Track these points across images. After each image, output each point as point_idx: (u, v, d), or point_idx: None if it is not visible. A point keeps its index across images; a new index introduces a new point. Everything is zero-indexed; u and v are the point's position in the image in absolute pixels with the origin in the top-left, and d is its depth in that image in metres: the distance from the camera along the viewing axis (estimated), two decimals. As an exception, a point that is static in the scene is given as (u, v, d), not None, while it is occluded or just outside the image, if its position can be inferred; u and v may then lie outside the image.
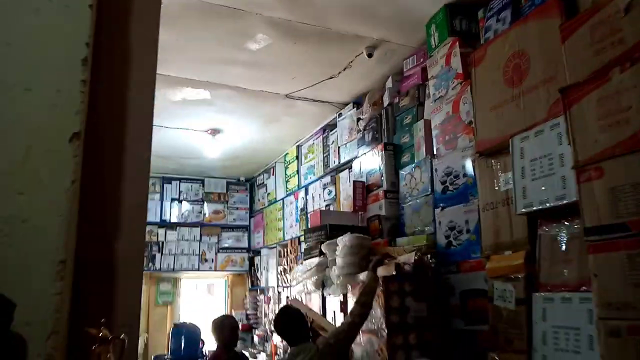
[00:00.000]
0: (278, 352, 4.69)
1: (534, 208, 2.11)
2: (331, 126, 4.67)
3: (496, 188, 2.42)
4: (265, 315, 5.94)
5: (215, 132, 5.05)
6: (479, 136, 2.55)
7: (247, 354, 4.35)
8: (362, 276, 2.88)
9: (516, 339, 2.15)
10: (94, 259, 1.39)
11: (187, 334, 4.96)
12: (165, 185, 6.57)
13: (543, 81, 2.21)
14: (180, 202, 6.61)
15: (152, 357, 5.70)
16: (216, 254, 6.64)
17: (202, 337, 5.17)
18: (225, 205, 6.81)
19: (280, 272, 5.43)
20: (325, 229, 3.50)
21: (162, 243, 6.40)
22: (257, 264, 6.51)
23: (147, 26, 1.80)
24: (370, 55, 3.53)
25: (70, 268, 1.29)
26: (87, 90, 1.41)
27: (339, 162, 4.40)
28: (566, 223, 2.03)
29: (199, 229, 6.61)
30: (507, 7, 2.62)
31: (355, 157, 4.04)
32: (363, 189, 3.76)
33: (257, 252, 6.52)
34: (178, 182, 6.65)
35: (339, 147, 4.42)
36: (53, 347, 1.14)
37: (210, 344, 4.91)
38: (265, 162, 6.24)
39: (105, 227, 1.48)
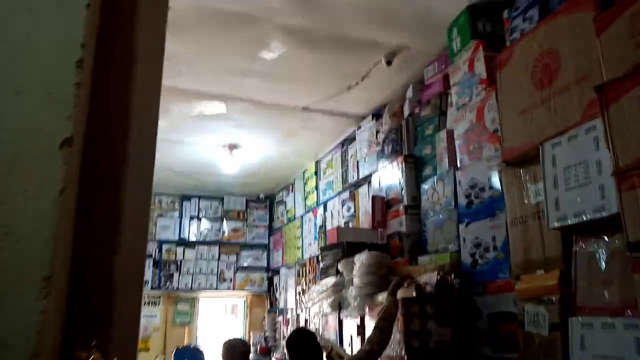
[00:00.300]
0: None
1: (569, 222, 1.88)
2: (350, 140, 4.51)
3: (525, 201, 2.20)
4: (284, 337, 5.72)
5: (232, 147, 4.95)
6: (505, 144, 2.34)
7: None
8: (381, 297, 2.68)
9: (551, 370, 1.90)
10: (91, 275, 1.31)
11: (190, 358, 4.77)
12: (184, 203, 6.50)
13: (576, 81, 1.99)
14: (199, 219, 6.51)
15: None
16: (235, 273, 6.49)
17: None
18: (245, 223, 6.69)
19: (299, 292, 5.23)
20: (343, 246, 3.31)
21: (181, 262, 6.29)
22: (275, 284, 6.32)
23: (153, 32, 1.71)
24: (389, 63, 3.37)
25: (59, 285, 1.18)
26: (82, 94, 1.31)
27: (358, 177, 4.22)
28: (606, 238, 1.80)
29: (217, 247, 6.49)
30: (535, 5, 2.43)
31: (375, 171, 3.85)
32: (382, 204, 3.56)
33: (276, 272, 6.35)
34: (197, 199, 6.57)
35: (357, 162, 4.24)
36: (34, 371, 1.02)
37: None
38: (284, 178, 6.10)
39: (104, 241, 1.38)
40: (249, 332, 6.53)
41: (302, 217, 5.58)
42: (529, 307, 2.11)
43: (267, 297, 6.61)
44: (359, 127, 4.29)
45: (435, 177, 3.13)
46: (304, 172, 5.59)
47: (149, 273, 6.11)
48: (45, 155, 1.19)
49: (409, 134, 3.54)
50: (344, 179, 4.52)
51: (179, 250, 6.31)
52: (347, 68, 3.52)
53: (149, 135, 1.59)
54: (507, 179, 2.34)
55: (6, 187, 1.13)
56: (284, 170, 5.75)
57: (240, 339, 3.17)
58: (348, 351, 2.88)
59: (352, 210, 4.31)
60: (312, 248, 5.18)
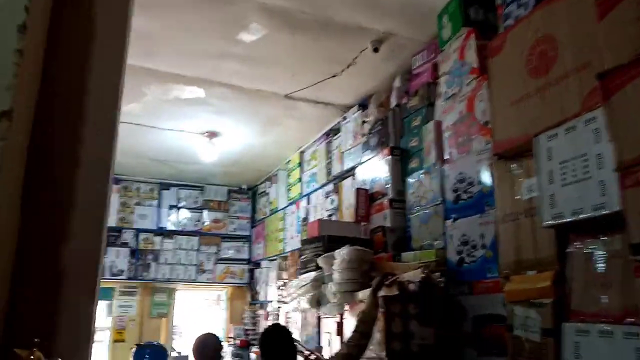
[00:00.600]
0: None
1: (565, 220, 1.75)
2: (335, 131, 4.35)
3: (517, 196, 2.07)
4: (264, 331, 5.58)
5: (212, 134, 4.76)
6: (496, 136, 2.20)
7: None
8: (362, 294, 2.54)
9: (541, 378, 1.78)
10: (38, 266, 1.17)
11: (151, 356, 4.56)
12: (163, 192, 6.29)
13: (575, 69, 1.86)
14: (178, 209, 6.31)
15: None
16: (215, 264, 6.31)
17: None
18: (226, 214, 6.50)
19: (280, 286, 5.08)
20: (323, 240, 3.16)
21: (158, 252, 6.09)
22: (257, 277, 6.17)
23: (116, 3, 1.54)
24: (376, 50, 3.21)
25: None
26: (26, 64, 1.15)
27: (343, 169, 4.07)
28: (605, 238, 1.67)
29: (197, 238, 6.30)
30: (531, -11, 2.29)
31: (360, 163, 3.70)
32: (366, 198, 3.42)
33: (258, 264, 6.19)
34: (177, 188, 6.36)
35: (342, 153, 4.09)
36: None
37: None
38: (267, 169, 5.93)
39: (53, 228, 1.22)
40: (229, 325, 6.37)
41: (284, 209, 5.42)
42: (518, 309, 1.98)
43: (248, 290, 6.45)
44: (344, 118, 4.13)
45: (422, 171, 2.99)
46: (287, 163, 5.42)
47: (124, 262, 5.90)
48: (-23, 130, 1.04)
49: (396, 125, 3.39)
50: (328, 171, 4.37)
51: (157, 239, 6.11)
52: (331, 54, 3.36)
53: (108, 115, 1.46)
54: (498, 173, 2.21)
55: None
56: (267, 160, 5.58)
57: (213, 334, 3.02)
58: (326, 351, 2.74)
59: (336, 203, 4.16)
60: (294, 241, 5.02)
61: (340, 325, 2.72)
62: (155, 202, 6.24)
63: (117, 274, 5.88)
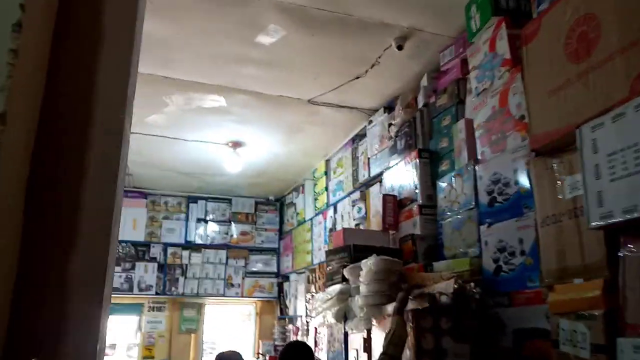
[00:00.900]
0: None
1: (615, 220, 1.53)
2: (361, 136, 4.18)
3: (559, 196, 1.85)
4: (294, 347, 5.39)
5: (236, 145, 4.66)
6: (534, 130, 1.99)
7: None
8: (391, 308, 2.34)
9: (594, 402, 1.55)
10: (40, 278, 1.08)
11: None
12: (190, 205, 6.24)
13: (620, 50, 1.64)
14: (206, 222, 6.25)
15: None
16: (243, 278, 6.20)
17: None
18: (254, 226, 6.39)
19: (309, 300, 4.90)
20: (349, 250, 2.98)
21: (186, 266, 6.02)
22: (286, 291, 6.01)
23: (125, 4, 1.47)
24: (400, 48, 3.04)
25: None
26: (24, 65, 1.08)
27: (369, 176, 3.89)
28: (665, 240, 1.44)
29: (225, 251, 6.20)
30: (568, -33, 2.07)
31: (387, 169, 3.52)
32: (394, 204, 3.23)
33: (287, 278, 6.04)
34: (205, 201, 6.30)
35: (368, 159, 3.91)
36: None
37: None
38: (294, 179, 5.80)
39: (58, 238, 1.15)
40: (258, 341, 6.22)
41: (312, 219, 5.27)
42: (564, 323, 1.76)
43: (277, 304, 6.30)
44: (370, 122, 3.96)
45: (453, 173, 2.78)
46: (313, 172, 5.28)
47: (152, 277, 5.85)
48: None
49: (424, 126, 3.20)
50: (355, 178, 4.19)
51: (185, 253, 6.05)
52: (354, 54, 3.20)
53: (117, 117, 1.34)
54: (536, 171, 1.99)
55: None
56: (293, 170, 5.45)
57: (235, 352, 2.87)
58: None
59: (363, 211, 3.98)
60: (322, 253, 4.85)
61: (367, 342, 2.52)
62: (183, 216, 6.19)
63: (145, 289, 5.83)
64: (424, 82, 3.28)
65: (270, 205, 6.53)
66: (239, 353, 2.90)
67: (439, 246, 2.84)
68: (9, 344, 0.96)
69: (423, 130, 3.19)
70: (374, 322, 2.46)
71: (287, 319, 5.84)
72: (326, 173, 4.90)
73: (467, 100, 2.81)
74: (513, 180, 2.27)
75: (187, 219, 6.18)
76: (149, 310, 5.94)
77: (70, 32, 1.35)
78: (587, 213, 1.65)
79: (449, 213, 2.78)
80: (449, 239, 2.76)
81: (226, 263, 6.17)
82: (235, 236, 6.30)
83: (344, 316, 2.82)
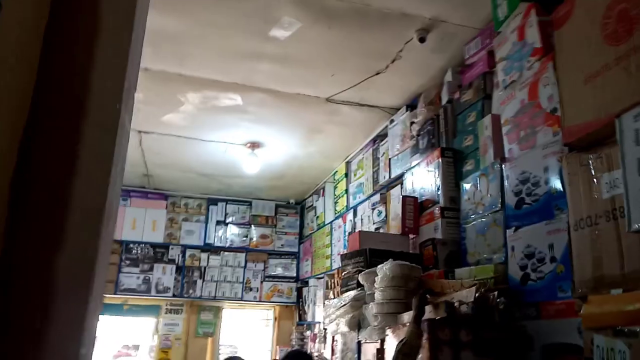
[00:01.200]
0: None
1: (662, 222, 1.33)
2: (382, 137, 4.00)
3: (595, 195, 1.64)
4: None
5: (254, 145, 4.54)
6: (567, 122, 1.79)
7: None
8: (407, 317, 2.16)
9: None
10: (23, 279, 0.99)
11: None
12: (210, 207, 6.15)
13: (670, 28, 1.44)
14: (225, 224, 6.15)
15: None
16: (261, 282, 6.07)
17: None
18: (274, 229, 6.27)
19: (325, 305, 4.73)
20: (365, 254, 2.81)
21: (204, 268, 5.93)
22: (304, 296, 5.85)
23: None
24: (422, 40, 2.86)
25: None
26: (3, 53, 0.98)
27: (390, 177, 3.70)
28: None
29: (244, 254, 6.09)
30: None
31: (409, 169, 3.33)
32: (415, 207, 3.04)
33: (306, 283, 5.88)
34: (224, 203, 6.21)
35: (389, 159, 3.72)
36: None
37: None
38: (314, 182, 5.65)
39: (43, 238, 1.03)
40: (276, 346, 6.08)
41: (331, 223, 5.10)
42: (599, 339, 1.55)
43: (296, 310, 6.14)
44: (392, 121, 3.77)
45: (478, 173, 2.58)
46: (334, 174, 5.12)
47: (170, 279, 5.78)
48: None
49: (448, 123, 3.00)
50: (375, 179, 4.01)
51: (203, 256, 5.96)
52: (373, 48, 3.04)
53: (111, 111, 1.23)
54: (570, 169, 1.79)
55: None
56: (313, 172, 5.30)
57: (239, 358, 2.73)
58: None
59: (384, 214, 3.79)
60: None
61: (380, 353, 2.34)
62: (202, 218, 6.11)
63: (163, 291, 5.76)
64: (448, 77, 3.09)
65: (290, 208, 6.39)
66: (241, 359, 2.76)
67: (462, 252, 2.65)
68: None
69: (447, 128, 3.00)
70: (388, 331, 2.28)
71: (305, 325, 5.68)
72: (346, 175, 4.73)
73: (493, 95, 2.62)
74: (543, 179, 2.07)
75: (206, 221, 6.10)
76: (166, 313, 5.87)
77: (63, 19, 1.25)
78: (628, 214, 1.44)
79: (472, 216, 2.59)
80: (473, 244, 2.56)
81: (245, 266, 6.06)
82: (254, 239, 6.18)
83: (357, 324, 2.65)
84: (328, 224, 5.19)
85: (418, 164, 3.19)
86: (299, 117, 3.98)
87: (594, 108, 1.66)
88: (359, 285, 2.76)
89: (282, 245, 6.23)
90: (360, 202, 4.31)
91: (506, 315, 2.01)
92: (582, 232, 1.69)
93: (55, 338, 1.07)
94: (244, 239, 6.15)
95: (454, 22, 2.79)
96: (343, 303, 2.76)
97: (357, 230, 4.22)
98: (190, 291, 5.83)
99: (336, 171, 5.05)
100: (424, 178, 3.08)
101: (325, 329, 4.66)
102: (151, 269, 5.77)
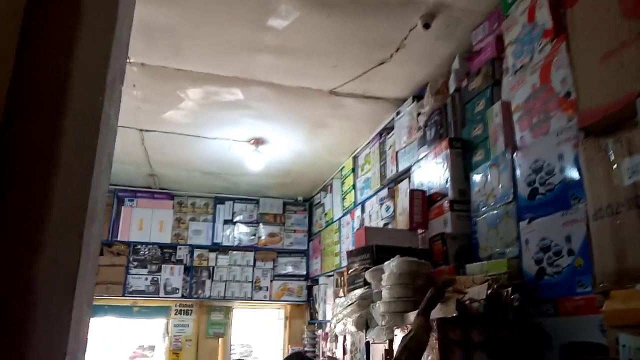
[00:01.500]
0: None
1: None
2: (389, 129, 3.88)
3: (616, 183, 1.52)
4: (323, 354, 5.13)
5: (258, 142, 4.45)
6: (583, 105, 1.67)
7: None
8: (414, 316, 2.05)
9: None
10: (1, 282, 0.95)
11: None
12: (217, 206, 6.08)
13: (696, -4, 1.31)
14: (233, 223, 6.07)
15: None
16: (271, 281, 5.98)
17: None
18: (282, 227, 6.17)
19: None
20: (371, 250, 2.70)
21: (213, 268, 5.86)
22: (315, 294, 5.75)
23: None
24: (427, 26, 2.74)
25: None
26: None
27: (397, 171, 3.58)
28: None
29: (252, 253, 6.01)
30: None
31: (416, 162, 3.21)
32: (423, 200, 2.92)
33: (316, 281, 5.78)
34: (232, 202, 6.13)
35: (396, 152, 3.60)
36: None
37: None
38: (321, 178, 5.54)
39: (22, 238, 1.00)
40: (288, 346, 5.99)
41: (339, 220, 4.99)
42: (624, 338, 1.43)
43: (307, 308, 6.05)
44: (398, 113, 3.65)
45: (488, 163, 2.46)
46: (341, 170, 5.00)
47: (179, 280, 5.71)
48: None
49: (456, 113, 2.88)
50: (382, 174, 3.90)
51: (212, 255, 5.89)
52: (376, 37, 2.92)
53: (93, 105, 1.15)
54: (587, 155, 1.67)
55: None
56: (320, 168, 5.19)
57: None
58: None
59: (392, 210, 3.67)
60: (349, 254, 4.57)
61: (388, 354, 2.23)
62: (209, 217, 6.04)
63: (171, 292, 5.69)
64: (455, 65, 2.97)
65: (298, 205, 6.30)
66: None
67: (473, 246, 2.52)
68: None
69: (455, 117, 2.87)
70: (396, 331, 2.17)
71: (316, 324, 5.58)
72: (353, 170, 4.62)
73: (503, 81, 2.49)
74: (558, 167, 1.94)
75: (214, 220, 6.02)
76: (175, 314, 5.81)
77: (42, 4, 1.19)
78: (654, 201, 1.32)
79: (483, 208, 2.46)
80: (484, 238, 2.44)
81: (254, 265, 5.97)
82: (263, 238, 6.09)
83: (365, 324, 2.54)
84: (336, 220, 5.08)
85: (426, 156, 3.07)
86: (302, 111, 3.88)
87: (612, 89, 1.53)
88: (365, 283, 2.66)
89: (291, 243, 6.14)
90: (368, 198, 4.20)
91: (521, 313, 1.89)
92: (602, 222, 1.56)
93: (36, 347, 0.99)
94: (252, 237, 6.06)
95: (459, 7, 2.66)
96: (350, 302, 2.66)
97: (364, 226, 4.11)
98: (200, 291, 5.76)
99: (343, 167, 4.94)
100: (432, 170, 2.96)
101: (335, 328, 4.56)
102: (159, 270, 5.71)
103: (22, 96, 1.16)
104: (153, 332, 6.10)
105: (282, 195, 6.21)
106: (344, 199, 4.87)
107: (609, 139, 1.57)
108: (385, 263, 2.38)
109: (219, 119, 4.05)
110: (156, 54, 3.12)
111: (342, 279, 4.67)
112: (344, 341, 3.95)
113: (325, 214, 5.52)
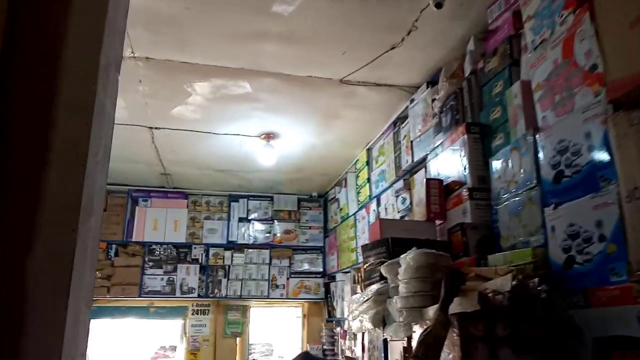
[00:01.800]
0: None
1: None
2: (403, 119, 3.74)
3: (652, 159, 1.37)
4: (342, 352, 5.02)
5: (269, 136, 4.35)
6: (611, 76, 1.53)
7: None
8: (433, 311, 1.92)
9: None
10: None
11: None
12: (232, 204, 6.01)
13: None
14: (248, 221, 5.99)
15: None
16: (287, 279, 5.89)
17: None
18: (297, 224, 6.07)
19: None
20: (387, 243, 2.57)
21: (229, 267, 5.79)
22: (332, 291, 5.64)
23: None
24: (439, 6, 2.60)
25: None
26: None
27: (412, 161, 3.45)
28: None
29: (268, 251, 5.92)
30: None
31: (432, 149, 3.07)
32: (440, 189, 2.78)
33: (333, 278, 5.67)
34: (246, 199, 6.05)
35: (411, 142, 3.47)
36: None
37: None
38: (336, 172, 5.43)
39: (14, 234, 0.99)
40: (306, 344, 5.89)
41: (355, 214, 4.87)
42: (667, 330, 1.29)
43: (324, 306, 5.94)
44: (412, 100, 3.51)
45: (509, 147, 2.31)
46: (355, 163, 4.88)
47: (195, 279, 5.65)
48: None
49: (472, 96, 2.73)
50: (397, 165, 3.76)
51: (227, 254, 5.82)
52: (385, 19, 2.79)
53: (86, 95, 1.11)
54: (618, 131, 1.52)
55: None
56: (334, 162, 5.07)
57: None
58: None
59: (408, 201, 3.54)
60: (366, 249, 4.44)
61: (407, 352, 2.10)
62: (224, 215, 5.97)
63: (188, 292, 5.64)
64: (470, 46, 2.82)
65: (313, 201, 6.19)
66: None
67: (495, 236, 2.38)
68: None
69: (471, 101, 2.73)
70: (415, 328, 2.04)
71: (334, 322, 5.47)
72: (368, 163, 4.49)
73: (522, 59, 2.34)
74: (585, 147, 1.79)
75: (228, 219, 5.95)
76: (192, 314, 5.76)
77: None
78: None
79: (505, 195, 2.32)
80: (506, 227, 2.29)
81: (270, 263, 5.89)
82: (278, 235, 6.00)
83: (382, 321, 2.42)
84: (352, 215, 4.96)
85: (442, 143, 2.93)
86: (312, 102, 3.76)
87: (645, 54, 1.39)
88: (382, 278, 2.53)
89: (306, 240, 6.04)
90: (383, 191, 4.07)
91: (549, 305, 1.75)
92: (637, 204, 1.42)
93: (28, 349, 0.93)
94: (268, 235, 5.98)
95: (473, -17, 2.52)
96: (366, 298, 2.54)
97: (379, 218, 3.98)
98: (216, 291, 5.69)
99: (357, 160, 4.82)
100: (449, 158, 2.82)
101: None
102: (175, 269, 5.66)
103: (9, 84, 1.08)
104: (172, 332, 6.06)
105: (296, 191, 6.11)
106: (358, 193, 4.75)
107: (642, 111, 1.42)
108: (402, 256, 2.25)
109: (228, 113, 3.96)
110: (161, 47, 3.04)
111: (359, 275, 4.55)
112: (363, 339, 3.84)
113: (341, 209, 5.40)
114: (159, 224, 5.76)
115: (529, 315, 1.69)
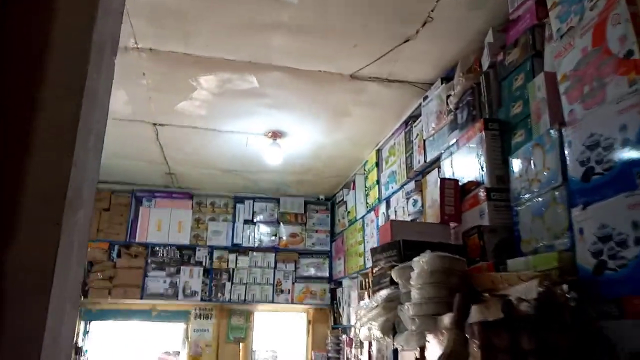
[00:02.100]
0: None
1: None
2: (415, 117, 3.59)
3: (703, 150, 1.21)
4: (347, 359, 4.85)
5: (275, 134, 4.21)
6: (655, 59, 1.36)
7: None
8: (448, 319, 1.76)
9: None
10: None
11: None
12: (237, 206, 5.87)
13: None
14: (253, 224, 5.85)
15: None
16: (293, 283, 5.73)
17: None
18: (303, 227, 5.92)
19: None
20: (398, 246, 2.41)
21: (233, 270, 5.64)
22: (339, 297, 5.47)
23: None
24: (457, -8, 2.45)
25: None
26: None
27: (425, 161, 3.29)
28: None
29: (273, 254, 5.77)
30: None
31: (447, 148, 2.92)
32: (456, 190, 2.62)
33: (339, 283, 5.50)
34: (251, 201, 5.91)
35: (424, 141, 3.31)
36: None
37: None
38: (344, 174, 5.28)
39: None
40: (311, 352, 5.73)
41: (363, 218, 4.71)
42: None
43: (330, 312, 5.78)
44: (425, 97, 3.36)
45: (531, 144, 2.15)
46: (364, 165, 4.72)
47: (198, 282, 5.51)
48: None
49: (491, 91, 2.58)
50: (409, 165, 3.60)
51: (231, 257, 5.68)
52: (399, 9, 2.64)
53: (76, 76, 1.02)
54: (660, 120, 1.36)
55: None
56: (342, 162, 4.92)
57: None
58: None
59: (420, 204, 3.38)
60: (375, 254, 4.28)
61: (419, 362, 1.95)
62: (229, 217, 5.84)
63: (191, 295, 5.50)
64: (489, 37, 2.67)
65: (320, 204, 6.04)
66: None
67: (515, 239, 2.21)
68: None
69: (489, 96, 2.57)
70: (429, 337, 1.88)
71: (340, 329, 5.30)
72: (377, 164, 4.34)
73: (546, 49, 2.19)
74: (619, 141, 1.63)
75: (233, 221, 5.82)
76: (195, 318, 5.61)
77: None
78: None
79: (526, 196, 2.15)
80: (528, 229, 2.13)
81: (275, 267, 5.74)
82: (284, 238, 5.86)
83: (392, 329, 2.25)
84: (360, 219, 4.81)
85: (457, 141, 2.77)
86: (321, 98, 3.62)
87: (697, 32, 1.23)
88: (392, 283, 2.37)
89: (312, 243, 5.88)
90: (393, 193, 3.91)
91: (578, 315, 1.59)
92: (685, 202, 1.26)
93: (4, 353, 0.84)
94: (273, 238, 5.84)
95: (493, -30, 2.37)
96: (375, 304, 2.37)
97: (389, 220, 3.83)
98: (219, 294, 5.55)
99: (366, 161, 4.67)
100: (464, 157, 2.66)
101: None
102: (178, 272, 5.53)
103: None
104: (174, 336, 5.92)
105: (303, 193, 5.97)
106: (367, 195, 4.59)
107: (691, 97, 1.26)
108: (415, 259, 2.09)
109: (234, 109, 3.83)
110: (164, 38, 2.92)
111: (367, 280, 4.39)
112: (370, 347, 3.66)
113: (348, 212, 5.24)
114: (163, 224, 5.64)
115: (556, 325, 1.52)
